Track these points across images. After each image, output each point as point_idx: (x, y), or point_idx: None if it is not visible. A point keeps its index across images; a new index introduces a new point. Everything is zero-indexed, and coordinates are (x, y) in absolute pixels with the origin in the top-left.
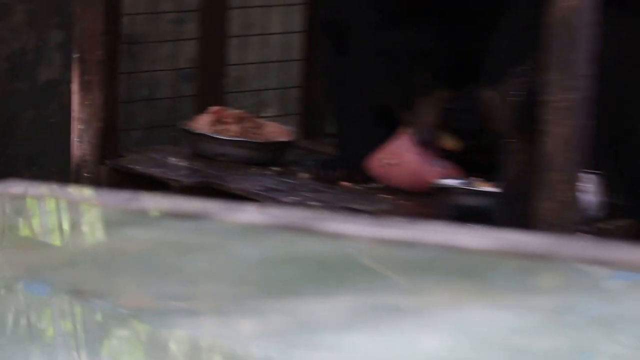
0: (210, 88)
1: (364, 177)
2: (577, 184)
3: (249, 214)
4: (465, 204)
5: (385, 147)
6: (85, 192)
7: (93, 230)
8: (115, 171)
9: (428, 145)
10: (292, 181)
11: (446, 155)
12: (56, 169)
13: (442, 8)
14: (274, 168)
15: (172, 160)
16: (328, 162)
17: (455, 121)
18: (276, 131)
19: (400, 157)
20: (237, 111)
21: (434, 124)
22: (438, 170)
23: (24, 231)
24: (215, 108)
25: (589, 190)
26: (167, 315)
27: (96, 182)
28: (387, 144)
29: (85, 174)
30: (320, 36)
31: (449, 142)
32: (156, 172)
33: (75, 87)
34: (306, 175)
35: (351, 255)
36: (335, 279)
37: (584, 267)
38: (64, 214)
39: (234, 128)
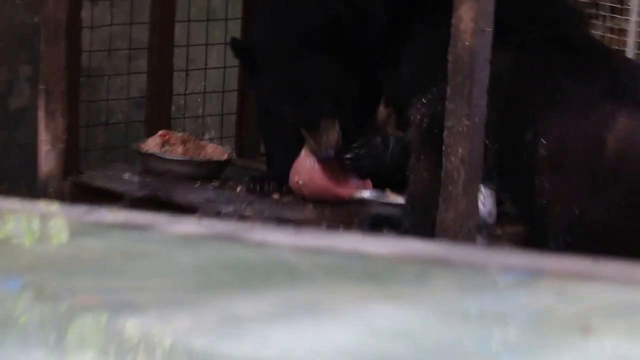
0: (159, 114)
1: (290, 190)
2: (474, 196)
3: (187, 225)
4: (378, 214)
5: (293, 167)
6: (50, 206)
7: (56, 237)
8: (76, 186)
9: (330, 162)
10: (229, 194)
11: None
12: (25, 184)
13: (349, 41)
14: (214, 183)
15: (126, 176)
16: (260, 178)
17: (359, 168)
18: (215, 151)
19: (306, 175)
20: (181, 134)
21: (335, 143)
22: (346, 183)
23: None
24: (162, 131)
25: (485, 202)
26: (118, 309)
27: (60, 195)
28: (294, 164)
29: (50, 189)
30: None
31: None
32: (112, 186)
33: (41, 114)
34: (242, 189)
35: (274, 261)
36: (260, 281)
37: (477, 269)
38: (32, 224)
39: (179, 149)
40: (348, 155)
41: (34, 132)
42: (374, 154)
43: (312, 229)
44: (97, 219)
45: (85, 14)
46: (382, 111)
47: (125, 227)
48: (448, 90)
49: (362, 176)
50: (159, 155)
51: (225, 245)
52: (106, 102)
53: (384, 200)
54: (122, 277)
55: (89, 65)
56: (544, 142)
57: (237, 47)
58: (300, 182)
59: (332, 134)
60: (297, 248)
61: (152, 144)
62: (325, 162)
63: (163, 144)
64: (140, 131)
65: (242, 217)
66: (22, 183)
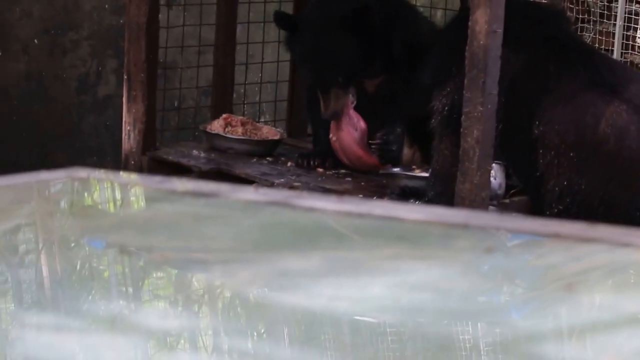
0: (222, 101)
1: (333, 165)
2: (487, 171)
3: (247, 193)
4: (406, 185)
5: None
6: (131, 176)
7: (136, 203)
8: (153, 160)
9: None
10: (281, 168)
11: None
12: (110, 159)
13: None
14: (268, 158)
15: (195, 152)
16: (307, 154)
17: (385, 152)
18: (270, 132)
19: (335, 133)
20: (241, 117)
21: (340, 109)
22: (363, 148)
23: (87, 203)
24: (225, 115)
25: (495, 175)
26: (188, 264)
27: (139, 168)
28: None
29: (131, 163)
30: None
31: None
32: (183, 160)
33: (124, 99)
34: (291, 164)
35: (320, 224)
36: (309, 241)
37: (491, 232)
38: (116, 191)
39: (239, 130)
40: (376, 141)
41: (118, 115)
42: (396, 141)
43: (351, 197)
44: (171, 187)
45: (162, 16)
46: (407, 152)
47: (195, 194)
48: (465, 81)
49: (386, 159)
50: (223, 135)
51: (279, 210)
52: (179, 90)
53: (411, 174)
54: (191, 237)
55: (164, 59)
56: (538, 124)
57: (278, 17)
58: (333, 138)
59: (339, 101)
60: (339, 213)
61: (216, 126)
62: (349, 127)
63: (226, 126)
64: (207, 115)
65: (291, 188)
66: (108, 158)
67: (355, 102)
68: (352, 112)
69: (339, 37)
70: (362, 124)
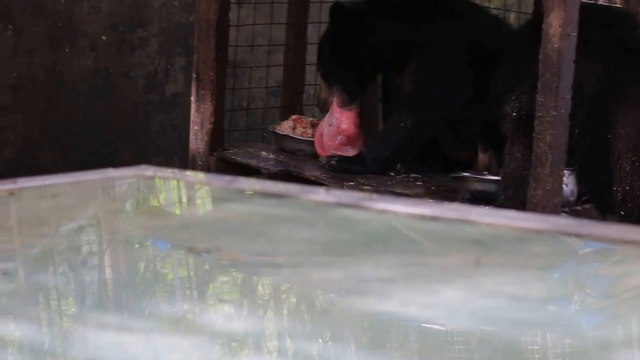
0: (292, 101)
1: (404, 169)
2: (559, 177)
3: (318, 194)
4: (476, 189)
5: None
6: (198, 175)
7: (203, 203)
8: (220, 161)
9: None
10: None
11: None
12: (177, 158)
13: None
14: None
15: (263, 153)
16: None
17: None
18: None
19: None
20: (311, 119)
21: (321, 103)
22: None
23: (153, 203)
24: (295, 116)
25: (567, 182)
26: (255, 267)
27: (206, 169)
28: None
29: (199, 163)
30: None
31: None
32: (251, 162)
33: (193, 98)
34: None
35: (392, 227)
36: (380, 243)
37: (563, 238)
38: (182, 191)
39: (309, 131)
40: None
41: (186, 115)
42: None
43: (423, 200)
44: (239, 188)
45: (232, 14)
46: (482, 157)
47: (264, 194)
48: (539, 85)
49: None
50: (292, 136)
51: (350, 213)
52: (248, 90)
53: (482, 177)
54: (260, 239)
55: (234, 58)
56: (604, 129)
57: (333, 7)
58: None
59: (322, 93)
60: (411, 216)
61: (286, 127)
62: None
63: (295, 127)
64: (276, 115)
65: (361, 191)
66: (175, 158)
67: (344, 102)
68: (337, 117)
69: (327, 30)
70: (343, 125)
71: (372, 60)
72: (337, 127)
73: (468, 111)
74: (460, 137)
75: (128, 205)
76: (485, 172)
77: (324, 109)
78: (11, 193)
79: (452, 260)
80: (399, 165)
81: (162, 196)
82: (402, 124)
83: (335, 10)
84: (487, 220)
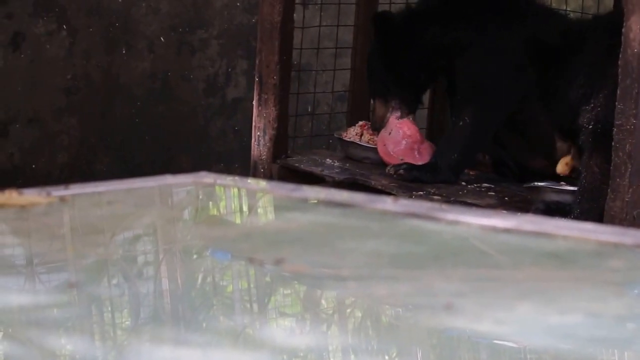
0: (359, 107)
1: (475, 178)
2: (639, 187)
3: (386, 204)
4: (551, 200)
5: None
6: (260, 183)
7: (265, 212)
8: (283, 168)
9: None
10: None
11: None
12: (238, 165)
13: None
14: None
15: (328, 161)
16: None
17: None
18: None
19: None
20: None
21: (378, 120)
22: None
23: (212, 211)
24: (362, 122)
25: None
26: (319, 279)
27: (269, 177)
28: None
29: (261, 170)
30: None
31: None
32: (315, 169)
33: (255, 103)
34: None
35: (464, 239)
36: (451, 256)
37: None
38: (243, 199)
39: (376, 138)
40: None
41: (248, 120)
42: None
43: (496, 211)
44: (303, 196)
45: (297, 15)
46: (561, 146)
47: (329, 204)
48: (618, 91)
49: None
50: (358, 143)
51: (420, 223)
52: (313, 95)
53: (557, 187)
54: (324, 250)
55: (299, 61)
56: None
57: (378, 17)
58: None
59: (378, 112)
60: (484, 227)
61: (352, 133)
62: (389, 140)
63: (362, 134)
64: (342, 121)
65: (431, 201)
66: (236, 165)
67: (402, 115)
68: (398, 124)
69: (375, 44)
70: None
71: (427, 65)
72: (400, 133)
73: (532, 111)
74: (531, 143)
75: (186, 214)
76: (562, 183)
77: (380, 126)
78: (63, 200)
79: (526, 275)
80: (471, 174)
81: (222, 205)
82: (461, 124)
83: (382, 21)
84: (564, 232)
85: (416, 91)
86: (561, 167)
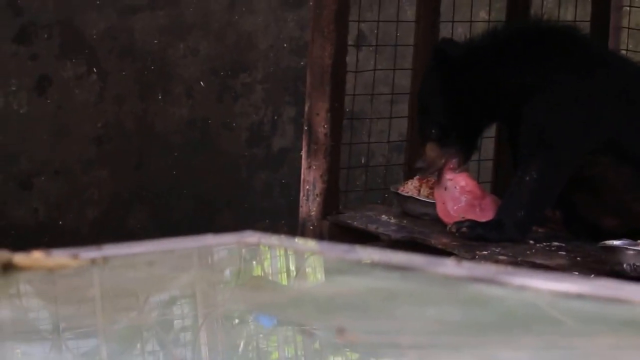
0: (417, 158)
1: (545, 236)
2: None
3: (448, 267)
4: (630, 262)
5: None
6: (309, 243)
7: (314, 275)
8: (334, 226)
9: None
10: None
11: None
12: (285, 222)
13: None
14: None
15: (384, 217)
16: None
17: None
18: None
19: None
20: None
21: (428, 165)
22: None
23: (256, 273)
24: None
25: None
26: (376, 348)
27: (319, 234)
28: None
29: (310, 228)
30: None
31: None
32: (370, 227)
33: (303, 154)
34: None
35: (532, 305)
36: (520, 325)
37: None
38: (291, 261)
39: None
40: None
41: (296, 173)
42: None
43: (567, 274)
44: (356, 258)
45: (349, 58)
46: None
47: (385, 266)
48: None
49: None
50: (417, 198)
51: (485, 288)
52: (367, 145)
53: (635, 249)
54: (381, 316)
55: (351, 108)
56: None
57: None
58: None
59: (430, 156)
60: (555, 293)
61: (410, 187)
62: (446, 197)
63: (421, 187)
64: (399, 174)
65: (496, 262)
66: (282, 221)
67: (460, 164)
68: (454, 179)
69: (431, 80)
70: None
71: (488, 109)
72: (458, 189)
73: (602, 166)
74: (600, 200)
75: (228, 276)
76: None
77: (431, 173)
78: (94, 262)
79: (602, 345)
80: (540, 231)
81: (267, 266)
82: (528, 178)
83: (443, 51)
84: None
85: (474, 137)
86: None
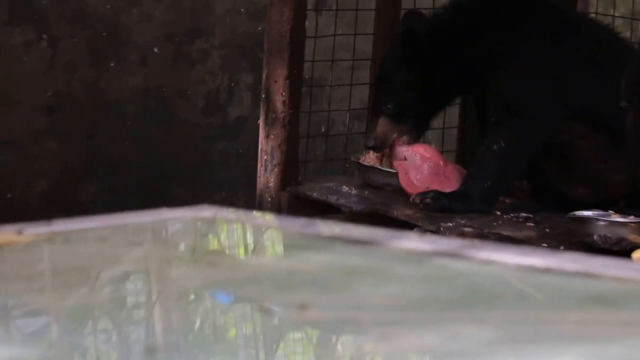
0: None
1: (512, 206)
2: None
3: (410, 241)
4: (600, 233)
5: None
6: (267, 217)
7: (273, 250)
8: (294, 197)
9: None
10: None
11: None
12: (242, 194)
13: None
14: None
15: (345, 188)
16: None
17: None
18: None
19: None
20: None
21: (378, 139)
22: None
23: (212, 248)
24: None
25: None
26: (335, 325)
27: (277, 206)
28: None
29: (268, 199)
30: None
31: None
32: (330, 199)
33: (261, 123)
34: None
35: (499, 280)
36: (485, 300)
37: None
38: (248, 235)
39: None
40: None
41: (253, 142)
42: None
43: (534, 247)
44: (316, 232)
45: (309, 23)
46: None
47: (346, 240)
48: None
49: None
50: (379, 168)
51: (449, 263)
52: (327, 113)
53: (608, 220)
54: (341, 292)
55: (311, 75)
56: None
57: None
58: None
59: (380, 131)
60: (522, 267)
61: (372, 157)
62: (410, 169)
63: (383, 157)
64: (360, 143)
65: (461, 234)
66: (240, 193)
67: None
68: (411, 149)
69: (395, 56)
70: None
71: (455, 82)
72: (419, 157)
73: (573, 134)
74: (571, 169)
75: (183, 251)
76: (610, 212)
77: (383, 148)
78: (43, 237)
79: (570, 320)
80: (507, 202)
81: (223, 240)
82: (495, 147)
83: (410, 35)
84: (613, 272)
85: (431, 114)
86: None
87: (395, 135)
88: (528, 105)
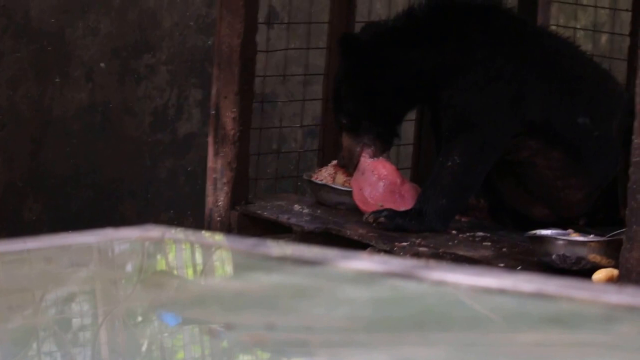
0: (333, 143)
1: (469, 225)
2: None
3: (361, 261)
4: (559, 253)
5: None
6: (216, 237)
7: (222, 271)
8: (244, 216)
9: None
10: None
11: None
12: (191, 212)
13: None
14: None
15: (296, 207)
16: None
17: None
18: None
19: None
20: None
21: (345, 157)
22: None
23: (159, 269)
24: (335, 161)
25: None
26: (284, 347)
27: (227, 225)
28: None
29: (217, 219)
30: None
31: None
32: (281, 218)
33: (210, 140)
34: None
35: (452, 301)
36: (437, 322)
37: None
38: (197, 256)
39: (351, 180)
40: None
41: (202, 159)
42: None
43: (489, 268)
44: (266, 252)
45: (259, 37)
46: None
47: (296, 261)
48: (635, 124)
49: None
50: (332, 186)
51: (400, 283)
52: (278, 130)
53: (567, 239)
54: (291, 314)
55: (262, 90)
56: None
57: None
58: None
59: (344, 145)
60: (475, 288)
61: (324, 174)
62: (364, 184)
63: (336, 175)
64: (312, 160)
65: (415, 255)
66: (188, 212)
67: (376, 152)
68: (371, 164)
69: (340, 68)
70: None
71: (404, 94)
72: (375, 174)
73: (530, 151)
74: (528, 188)
75: (130, 272)
76: (570, 231)
77: (350, 164)
78: None
79: (525, 342)
80: (463, 220)
81: (171, 261)
82: (450, 163)
83: (348, 44)
84: (568, 293)
85: (391, 124)
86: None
87: (359, 149)
88: (482, 118)
